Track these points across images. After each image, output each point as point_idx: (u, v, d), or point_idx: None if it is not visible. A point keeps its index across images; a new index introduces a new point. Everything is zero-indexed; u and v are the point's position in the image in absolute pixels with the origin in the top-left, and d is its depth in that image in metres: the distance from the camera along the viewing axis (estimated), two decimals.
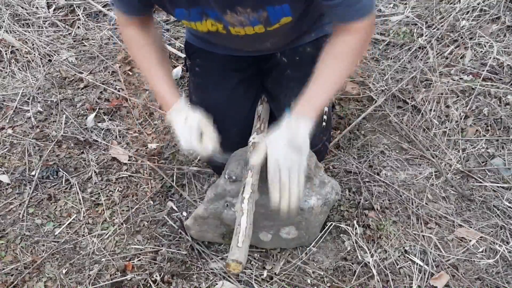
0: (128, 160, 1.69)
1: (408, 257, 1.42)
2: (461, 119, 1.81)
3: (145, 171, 1.65)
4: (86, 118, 1.84)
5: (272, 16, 1.21)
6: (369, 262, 1.39)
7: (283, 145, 1.13)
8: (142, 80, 1.97)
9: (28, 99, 1.91)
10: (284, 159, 1.11)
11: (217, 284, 1.34)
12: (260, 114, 1.46)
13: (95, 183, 1.62)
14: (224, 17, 1.20)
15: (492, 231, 1.49)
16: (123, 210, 1.54)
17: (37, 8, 2.32)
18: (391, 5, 2.37)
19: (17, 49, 2.11)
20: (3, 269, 1.38)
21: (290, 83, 1.42)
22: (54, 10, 2.34)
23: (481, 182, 1.62)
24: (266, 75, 1.52)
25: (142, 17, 1.31)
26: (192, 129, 1.21)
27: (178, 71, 2.00)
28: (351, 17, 1.15)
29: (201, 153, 1.22)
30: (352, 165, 1.67)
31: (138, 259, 1.41)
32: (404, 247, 1.44)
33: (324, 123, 1.47)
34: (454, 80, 1.95)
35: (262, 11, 1.18)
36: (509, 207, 1.54)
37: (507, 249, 1.43)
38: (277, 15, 1.21)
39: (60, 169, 1.65)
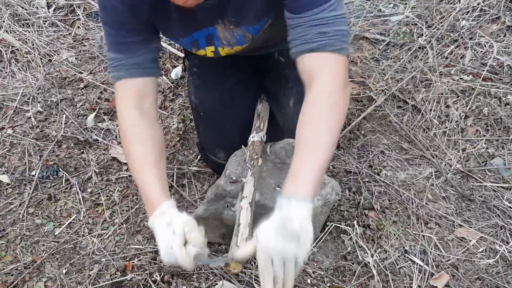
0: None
1: (408, 257, 1.42)
2: (461, 119, 1.81)
3: None
4: (86, 118, 1.84)
5: (253, 32, 1.19)
6: (369, 262, 1.39)
7: (275, 234, 0.89)
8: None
9: (28, 99, 1.91)
10: (275, 251, 0.89)
11: (217, 284, 1.34)
12: (260, 113, 1.46)
13: (95, 183, 1.62)
14: (217, 30, 1.16)
15: (492, 231, 1.49)
16: (123, 210, 1.54)
17: (37, 8, 2.32)
18: (391, 5, 2.37)
19: (17, 49, 2.11)
20: (3, 269, 1.38)
21: (288, 83, 1.41)
22: (54, 10, 2.34)
23: (481, 182, 1.62)
24: (265, 75, 1.52)
25: (146, 80, 1.15)
26: (176, 235, 0.98)
27: (178, 71, 2.00)
28: (312, 44, 0.99)
29: (182, 264, 0.98)
30: (352, 165, 1.67)
31: (138, 259, 1.41)
32: (404, 247, 1.44)
33: None
34: (454, 80, 1.95)
35: (246, 30, 1.17)
36: (509, 207, 1.54)
37: (507, 249, 1.43)
38: (257, 29, 1.18)
39: (60, 169, 1.65)
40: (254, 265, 1.40)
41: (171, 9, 1.10)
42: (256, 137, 1.35)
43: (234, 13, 1.13)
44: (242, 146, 1.39)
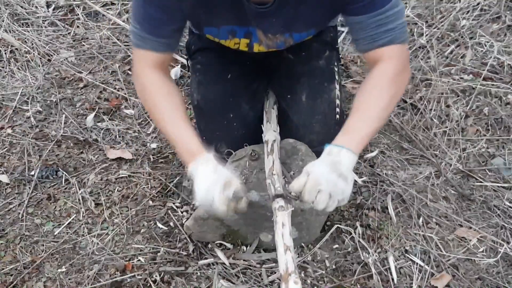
0: (128, 160, 1.68)
1: (408, 257, 1.42)
2: (461, 118, 1.81)
3: (145, 171, 1.65)
4: (86, 118, 1.83)
5: (297, 39, 1.25)
6: (369, 262, 1.39)
7: (328, 169, 1.03)
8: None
9: (28, 98, 1.91)
10: (328, 182, 1.02)
11: (217, 284, 1.34)
12: (267, 109, 1.47)
13: (95, 183, 1.61)
14: (256, 31, 1.21)
15: (492, 231, 1.49)
16: (123, 210, 1.54)
17: (36, 7, 2.32)
18: None
19: (16, 49, 2.11)
20: (3, 269, 1.38)
21: (301, 78, 1.44)
22: (54, 9, 2.34)
23: (481, 182, 1.62)
24: (273, 72, 1.53)
25: (168, 53, 1.24)
26: (219, 180, 1.08)
27: (177, 71, 2.00)
28: (379, 40, 1.11)
29: (217, 206, 1.07)
30: None
31: (138, 259, 1.41)
32: (404, 247, 1.44)
33: (337, 116, 1.47)
34: (455, 80, 1.95)
35: (289, 36, 1.22)
36: (510, 207, 1.54)
37: (507, 248, 1.43)
38: (302, 37, 1.25)
39: (60, 169, 1.65)
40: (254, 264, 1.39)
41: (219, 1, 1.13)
42: (267, 135, 1.36)
43: (284, 22, 1.16)
44: (244, 144, 1.38)
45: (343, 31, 2.20)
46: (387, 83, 1.12)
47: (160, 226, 1.49)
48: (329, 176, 1.03)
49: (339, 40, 2.15)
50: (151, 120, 1.83)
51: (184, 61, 1.99)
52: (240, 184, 1.12)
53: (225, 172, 1.11)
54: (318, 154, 1.39)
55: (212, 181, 1.08)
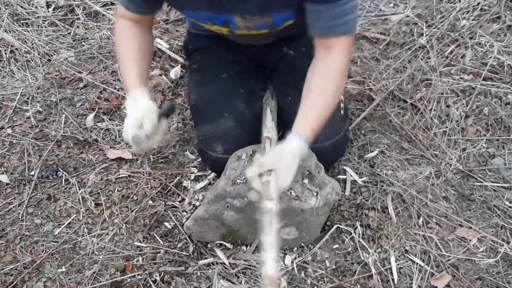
0: (128, 160, 1.68)
1: (408, 257, 1.42)
2: (461, 118, 1.81)
3: (145, 171, 1.65)
4: (86, 118, 1.83)
5: (276, 21, 1.25)
6: (369, 262, 1.39)
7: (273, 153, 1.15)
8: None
9: (28, 98, 1.91)
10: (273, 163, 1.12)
11: (217, 284, 1.34)
12: (267, 108, 1.47)
13: (95, 183, 1.61)
14: (234, 19, 1.23)
15: (492, 231, 1.49)
16: (122, 210, 1.54)
17: (36, 7, 2.32)
18: (391, 5, 2.37)
19: (16, 49, 2.11)
20: (3, 269, 1.38)
21: (301, 73, 1.43)
22: (54, 9, 2.33)
23: (481, 182, 1.62)
24: (274, 68, 1.53)
25: (142, 16, 1.31)
26: (132, 117, 1.18)
27: (177, 71, 2.00)
28: (335, 31, 1.16)
29: (130, 143, 1.18)
30: (353, 165, 1.66)
31: (138, 259, 1.41)
32: (404, 247, 1.44)
33: (342, 111, 1.47)
34: (455, 80, 1.95)
35: (268, 17, 1.22)
36: (510, 207, 1.54)
37: (507, 248, 1.43)
38: (281, 20, 1.25)
39: (60, 169, 1.65)
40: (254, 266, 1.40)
41: None
42: (270, 132, 1.36)
43: (260, 3, 1.19)
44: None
45: None
46: (334, 74, 1.19)
47: (160, 226, 1.49)
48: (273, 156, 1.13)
49: None
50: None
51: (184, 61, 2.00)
52: (148, 122, 1.17)
53: (139, 110, 1.17)
54: (323, 149, 1.40)
55: (129, 118, 1.18)
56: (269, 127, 1.37)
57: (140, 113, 1.17)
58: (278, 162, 1.11)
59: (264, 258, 1.03)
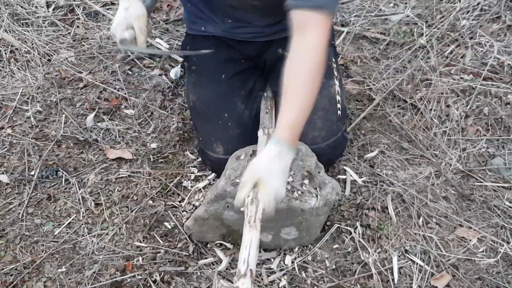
0: (128, 160, 1.68)
1: (408, 257, 1.42)
2: (461, 118, 1.81)
3: (145, 171, 1.65)
4: (86, 118, 1.83)
5: None
6: (369, 262, 1.39)
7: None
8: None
9: (28, 98, 1.91)
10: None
11: (217, 284, 1.34)
12: (265, 108, 1.47)
13: (95, 183, 1.61)
14: None
15: (492, 231, 1.49)
16: (122, 210, 1.54)
17: (36, 7, 2.31)
18: (391, 5, 2.37)
19: (16, 49, 2.10)
20: (3, 269, 1.38)
21: None
22: (54, 9, 2.33)
23: (481, 182, 1.62)
24: (271, 69, 1.53)
25: None
26: (125, 18, 1.24)
27: (177, 70, 2.00)
28: (312, 1, 1.10)
29: (118, 44, 1.25)
30: (353, 165, 1.66)
31: (138, 259, 1.41)
32: (404, 247, 1.44)
33: (339, 112, 1.47)
34: (455, 80, 1.95)
35: None
36: (510, 207, 1.54)
37: (507, 248, 1.43)
38: None
39: (60, 169, 1.65)
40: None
41: None
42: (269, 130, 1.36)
43: None
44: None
45: (343, 31, 2.20)
46: (316, 62, 1.13)
47: (160, 226, 1.49)
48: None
49: (339, 40, 2.15)
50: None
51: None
52: (141, 26, 1.23)
53: (132, 12, 1.23)
54: (320, 150, 1.40)
55: (119, 18, 1.24)
56: (268, 127, 1.37)
57: (133, 22, 1.23)
58: (257, 173, 1.09)
59: (240, 255, 1.02)
